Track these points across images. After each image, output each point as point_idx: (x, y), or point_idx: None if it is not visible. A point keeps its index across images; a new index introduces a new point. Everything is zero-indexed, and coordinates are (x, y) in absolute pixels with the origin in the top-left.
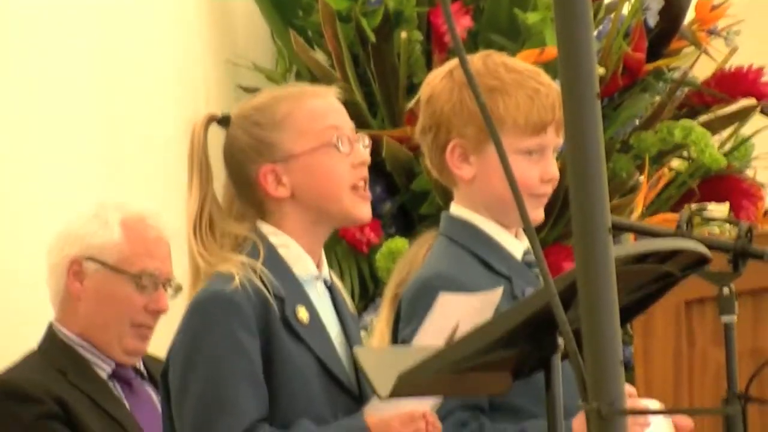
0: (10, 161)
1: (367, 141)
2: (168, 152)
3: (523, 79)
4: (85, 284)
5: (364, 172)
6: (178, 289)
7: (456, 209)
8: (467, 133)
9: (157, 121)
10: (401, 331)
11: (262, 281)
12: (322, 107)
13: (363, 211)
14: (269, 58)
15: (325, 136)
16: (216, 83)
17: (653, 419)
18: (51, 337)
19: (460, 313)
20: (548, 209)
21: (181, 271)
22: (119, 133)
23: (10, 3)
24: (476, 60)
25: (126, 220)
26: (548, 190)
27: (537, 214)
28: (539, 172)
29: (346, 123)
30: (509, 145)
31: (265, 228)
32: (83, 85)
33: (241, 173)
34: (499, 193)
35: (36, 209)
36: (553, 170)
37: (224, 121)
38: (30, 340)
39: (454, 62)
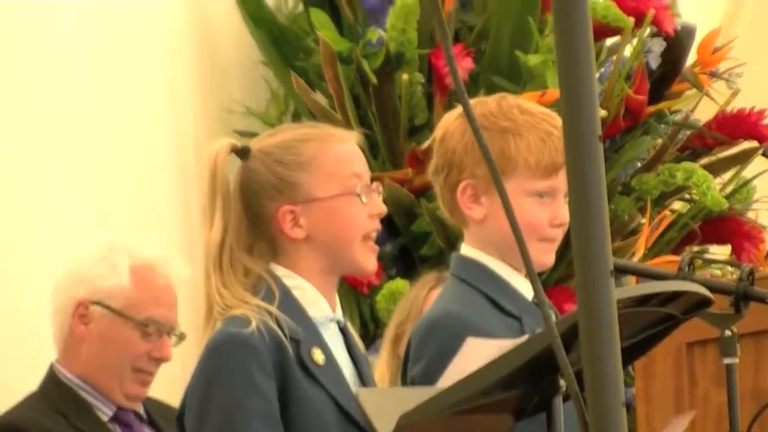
0: (9, 195)
1: (381, 189)
2: (164, 199)
3: (537, 121)
4: (90, 327)
5: (378, 223)
6: (182, 337)
7: (466, 249)
8: (479, 174)
9: (151, 168)
10: (410, 371)
11: (278, 324)
12: (348, 153)
13: (370, 263)
14: (263, 102)
15: (349, 183)
16: (210, 129)
17: None
18: (52, 379)
19: (485, 358)
20: None
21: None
22: (114, 178)
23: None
24: (490, 101)
25: (135, 266)
26: (558, 234)
27: (547, 259)
28: (549, 215)
29: (367, 171)
30: (520, 186)
31: (280, 270)
32: (77, 128)
33: (257, 208)
34: (510, 234)
35: (36, 248)
36: (564, 214)
37: (243, 153)
38: (30, 379)
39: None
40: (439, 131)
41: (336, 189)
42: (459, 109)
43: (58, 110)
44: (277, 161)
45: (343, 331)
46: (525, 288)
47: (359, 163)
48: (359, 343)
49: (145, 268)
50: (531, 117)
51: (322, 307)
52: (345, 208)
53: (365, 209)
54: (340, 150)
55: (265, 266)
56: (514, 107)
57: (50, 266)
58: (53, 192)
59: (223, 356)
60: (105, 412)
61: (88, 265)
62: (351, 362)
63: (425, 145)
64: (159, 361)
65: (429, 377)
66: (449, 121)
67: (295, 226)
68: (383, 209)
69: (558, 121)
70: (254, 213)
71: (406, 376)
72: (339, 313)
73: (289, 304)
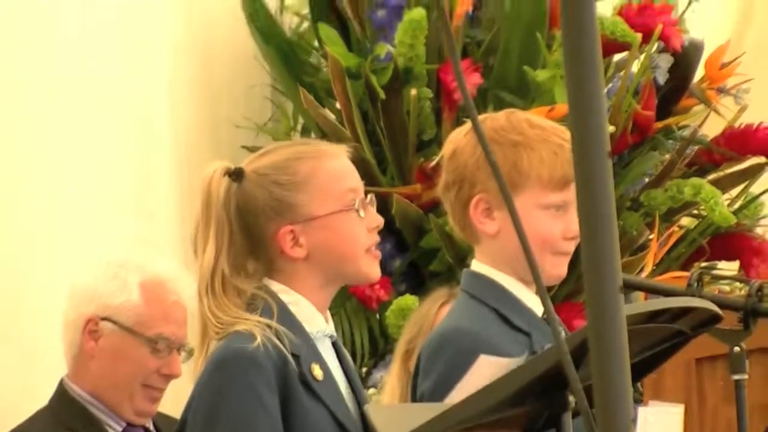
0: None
1: (374, 200)
2: (166, 217)
3: (547, 135)
4: (100, 343)
5: (377, 235)
6: (191, 353)
7: (477, 265)
8: (491, 188)
9: (157, 190)
10: (420, 386)
11: (279, 339)
12: (342, 169)
13: (375, 271)
14: (265, 118)
15: (346, 199)
16: (216, 146)
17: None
18: (62, 394)
19: (497, 377)
20: None
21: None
22: (118, 194)
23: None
24: (500, 116)
25: (145, 283)
26: (570, 247)
27: (560, 271)
28: (562, 228)
29: (361, 185)
30: (532, 199)
31: (275, 286)
32: (81, 142)
33: (255, 230)
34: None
35: (34, 263)
36: (576, 227)
37: (237, 175)
38: (41, 395)
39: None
40: (448, 147)
41: (334, 206)
42: (467, 125)
43: (62, 116)
44: (274, 182)
45: (335, 344)
46: (535, 304)
47: (354, 178)
48: (348, 357)
49: (155, 285)
50: (541, 131)
51: (318, 322)
52: (344, 225)
53: (363, 223)
54: (334, 166)
55: (258, 283)
56: (523, 121)
57: (49, 279)
58: (71, 205)
59: (229, 372)
60: (115, 429)
61: (98, 281)
62: (344, 376)
63: (434, 161)
64: (169, 377)
65: (439, 392)
66: (459, 137)
67: (295, 246)
68: (380, 221)
69: (568, 134)
70: (252, 235)
71: (415, 391)
72: (332, 327)
73: (287, 319)
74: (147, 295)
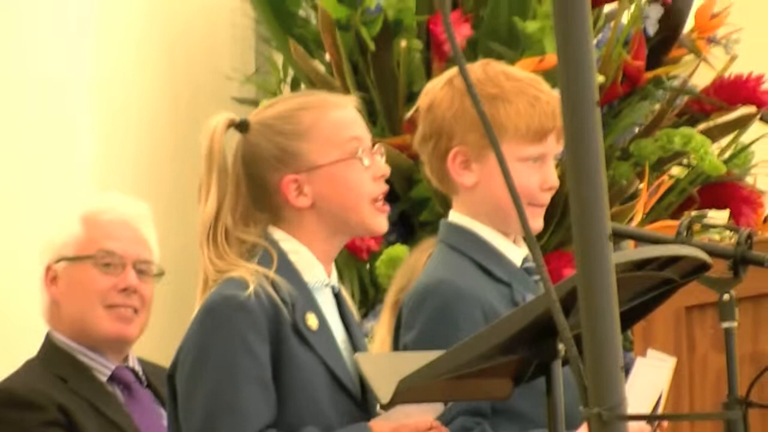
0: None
1: (383, 150)
2: (159, 169)
3: (524, 86)
4: (58, 285)
5: (384, 185)
6: (160, 273)
7: (455, 216)
8: (469, 140)
9: (147, 138)
10: (402, 337)
11: (275, 288)
12: (346, 118)
13: (381, 224)
14: (250, 70)
15: (349, 148)
16: (207, 97)
17: (642, 370)
18: (49, 345)
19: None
20: (549, 216)
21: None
22: (110, 147)
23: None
24: (476, 68)
25: (85, 215)
26: (546, 199)
27: (536, 223)
28: (539, 180)
29: (367, 134)
30: (510, 152)
31: (277, 234)
32: (77, 101)
33: (260, 180)
34: (501, 200)
35: (33, 221)
36: (553, 178)
37: (243, 127)
38: (28, 349)
39: (453, 71)
40: (425, 100)
41: (336, 154)
42: (444, 77)
43: (55, 72)
44: (277, 132)
45: (337, 296)
46: (514, 254)
47: (358, 127)
48: (353, 309)
49: (93, 213)
50: (518, 83)
51: (317, 272)
52: (348, 173)
53: (368, 172)
54: (338, 115)
55: (261, 232)
56: (500, 73)
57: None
58: (54, 164)
59: (219, 318)
60: (104, 373)
61: (52, 234)
62: (343, 328)
63: (409, 114)
64: (127, 291)
65: (421, 345)
66: (435, 90)
67: (300, 195)
68: (387, 170)
69: (544, 85)
70: (258, 185)
71: (398, 343)
72: (334, 279)
73: (285, 267)
74: (86, 223)
